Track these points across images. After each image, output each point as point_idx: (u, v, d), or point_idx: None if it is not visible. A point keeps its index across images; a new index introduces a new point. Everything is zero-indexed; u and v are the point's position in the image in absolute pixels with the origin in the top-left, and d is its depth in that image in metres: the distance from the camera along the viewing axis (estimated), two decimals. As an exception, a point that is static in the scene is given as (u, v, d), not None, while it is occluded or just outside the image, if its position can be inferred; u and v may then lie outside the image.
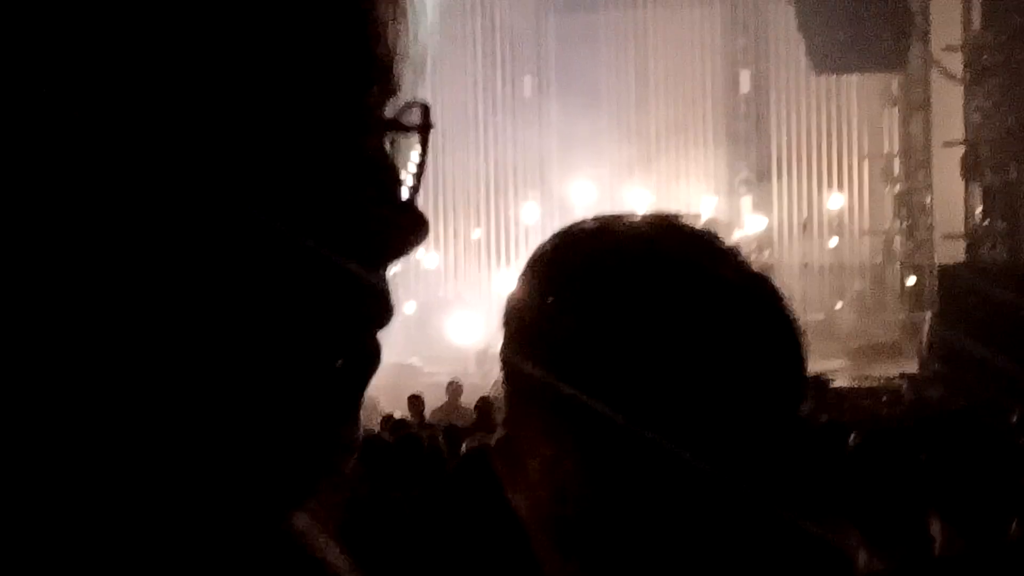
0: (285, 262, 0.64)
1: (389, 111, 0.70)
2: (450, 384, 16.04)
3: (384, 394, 16.77)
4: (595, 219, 1.41)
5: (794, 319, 1.33)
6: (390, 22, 0.69)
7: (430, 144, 0.72)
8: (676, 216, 1.38)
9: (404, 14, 0.70)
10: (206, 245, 0.62)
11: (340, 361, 0.68)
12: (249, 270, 0.63)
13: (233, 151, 0.62)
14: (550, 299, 1.34)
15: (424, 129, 0.72)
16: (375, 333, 0.70)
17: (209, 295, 0.63)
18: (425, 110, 0.71)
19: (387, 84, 0.69)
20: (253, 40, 0.63)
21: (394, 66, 0.69)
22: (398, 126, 0.70)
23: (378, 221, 0.67)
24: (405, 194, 0.71)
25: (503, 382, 1.36)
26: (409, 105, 0.71)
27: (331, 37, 0.65)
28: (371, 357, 0.70)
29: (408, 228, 0.69)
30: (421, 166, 0.71)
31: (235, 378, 0.64)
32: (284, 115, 0.63)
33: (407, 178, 0.71)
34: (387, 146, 0.70)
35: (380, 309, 0.69)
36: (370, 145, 0.68)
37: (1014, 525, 3.03)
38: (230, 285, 0.63)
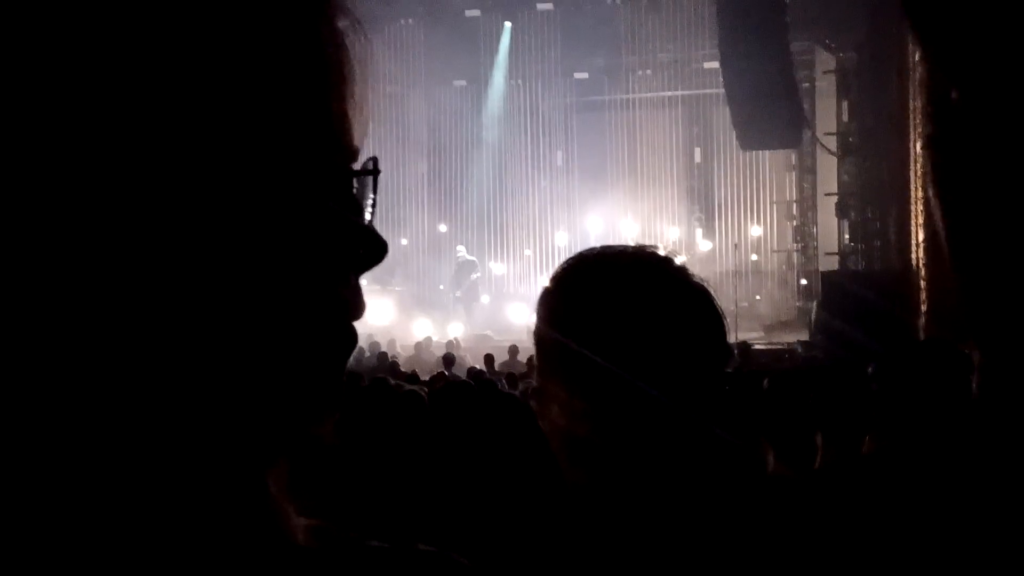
0: (286, 268, 0.61)
1: (356, 165, 0.67)
2: (511, 347, 15.99)
3: (470, 354, 16.80)
4: (598, 247, 1.41)
5: (720, 308, 1.34)
6: (354, 115, 0.66)
7: (379, 186, 0.69)
8: (651, 245, 1.39)
9: (362, 110, 0.67)
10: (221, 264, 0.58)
11: (327, 340, 0.63)
12: (259, 279, 0.60)
13: (238, 201, 0.59)
14: (567, 295, 1.34)
15: (375, 173, 0.68)
16: (351, 323, 0.65)
17: (224, 292, 0.58)
18: (375, 161, 0.68)
19: (349, 150, 0.66)
20: (252, 127, 0.59)
21: (353, 140, 0.66)
22: (360, 172, 0.67)
23: (346, 242, 0.64)
24: (367, 217, 0.67)
25: (535, 349, 1.36)
26: (368, 160, 0.68)
27: (314, 132, 0.63)
28: (350, 339, 0.65)
29: (370, 246, 0.66)
30: (375, 197, 0.68)
31: (247, 346, 0.60)
32: (276, 170, 0.60)
33: (368, 207, 0.68)
34: (354, 189, 0.66)
35: (356, 305, 0.66)
36: (339, 188, 0.65)
37: (866, 439, 3.00)
38: (243, 283, 0.59)
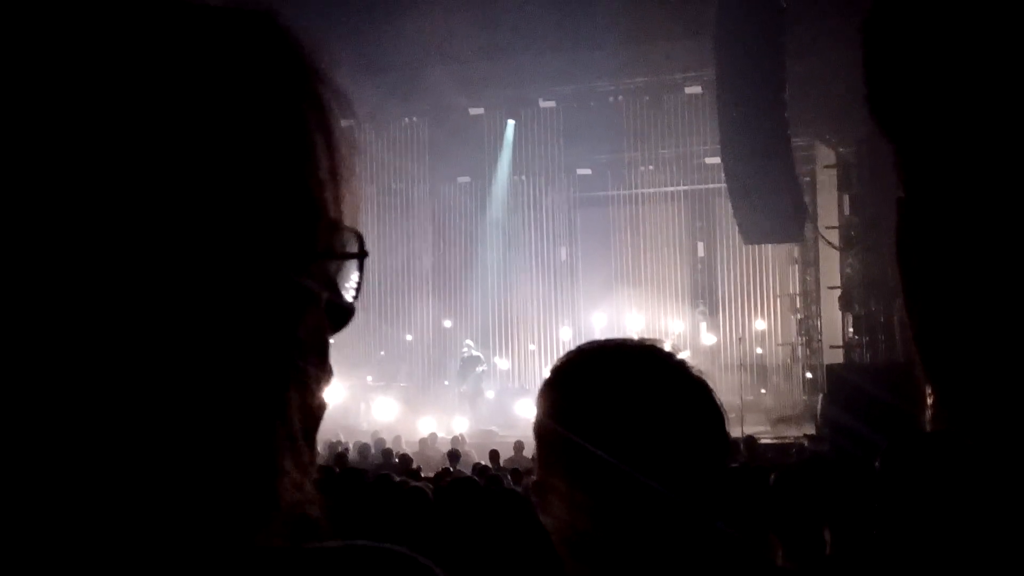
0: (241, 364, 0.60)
1: (338, 245, 0.66)
2: (516, 443, 15.88)
3: (475, 450, 16.66)
4: (596, 341, 1.43)
5: (719, 401, 1.34)
6: (334, 188, 0.65)
7: (365, 269, 0.68)
8: (652, 339, 1.40)
9: (347, 183, 0.66)
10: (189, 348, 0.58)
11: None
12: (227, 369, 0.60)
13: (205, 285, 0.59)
14: (567, 388, 1.35)
15: (360, 255, 0.67)
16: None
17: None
18: (360, 239, 0.67)
19: (329, 221, 0.65)
20: (226, 209, 0.60)
21: (329, 212, 0.65)
22: (342, 255, 0.67)
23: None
24: (350, 296, 0.67)
25: (536, 441, 1.37)
26: (351, 235, 0.67)
27: (282, 207, 0.62)
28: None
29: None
30: (359, 282, 0.68)
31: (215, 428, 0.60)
32: (246, 251, 0.60)
33: (350, 291, 0.67)
34: (328, 279, 0.65)
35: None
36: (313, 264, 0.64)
37: (873, 532, 2.97)
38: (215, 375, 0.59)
